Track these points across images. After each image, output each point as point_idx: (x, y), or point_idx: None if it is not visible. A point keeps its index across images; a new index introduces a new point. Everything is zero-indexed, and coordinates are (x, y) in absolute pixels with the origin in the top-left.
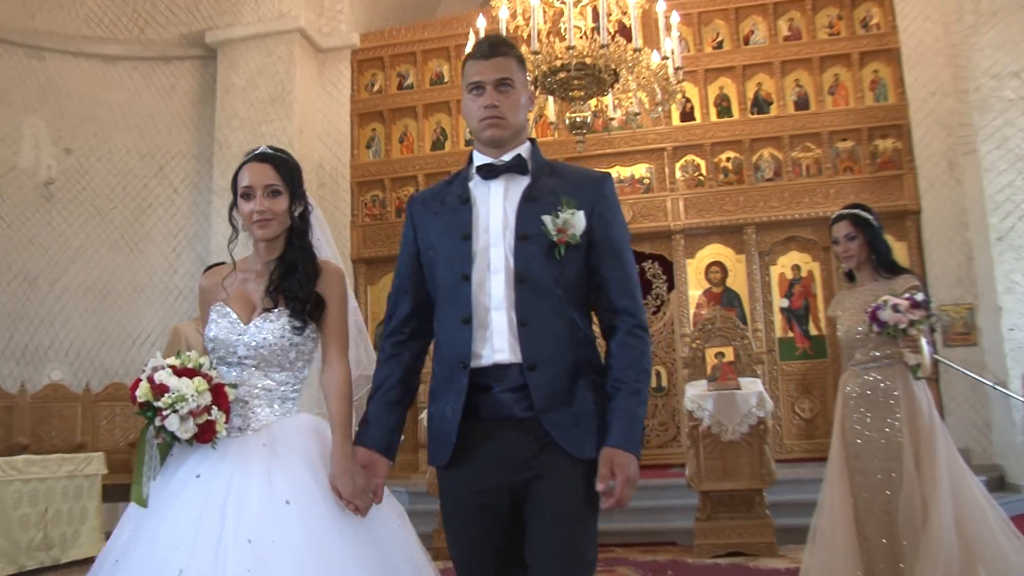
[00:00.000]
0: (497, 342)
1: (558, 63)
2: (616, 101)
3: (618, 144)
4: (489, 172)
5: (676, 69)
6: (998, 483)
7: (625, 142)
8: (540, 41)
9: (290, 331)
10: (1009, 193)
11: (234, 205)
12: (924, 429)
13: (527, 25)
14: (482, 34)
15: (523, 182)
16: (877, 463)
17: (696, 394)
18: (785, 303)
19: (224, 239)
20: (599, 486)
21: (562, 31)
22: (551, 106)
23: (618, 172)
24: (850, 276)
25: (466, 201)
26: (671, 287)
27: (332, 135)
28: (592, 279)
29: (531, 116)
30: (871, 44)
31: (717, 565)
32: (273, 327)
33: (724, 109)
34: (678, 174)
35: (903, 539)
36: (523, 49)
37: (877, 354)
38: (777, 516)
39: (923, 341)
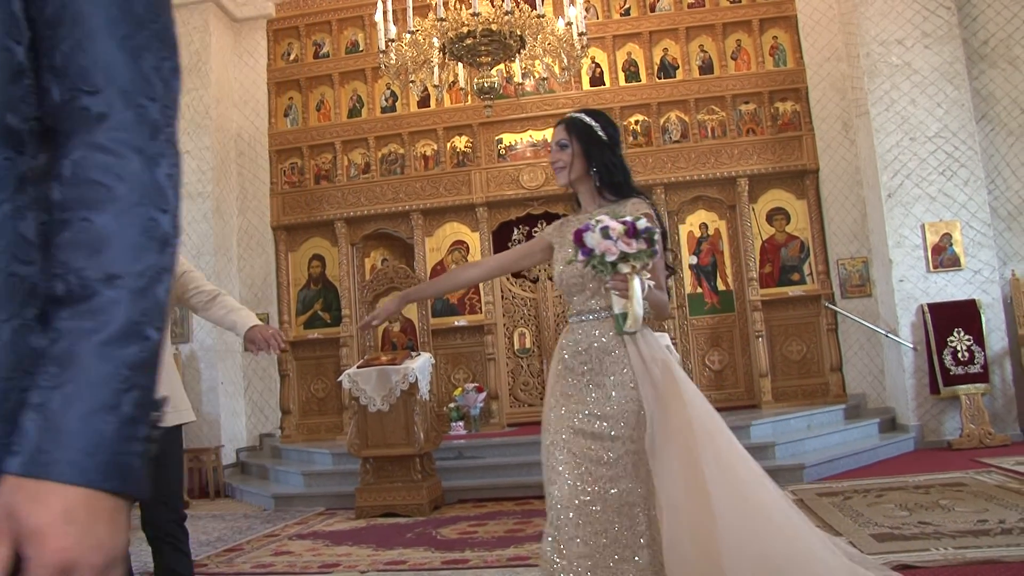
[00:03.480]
0: None
1: (464, 30)
2: (524, 66)
3: (530, 109)
4: None
5: (580, 34)
6: (890, 424)
7: (537, 107)
8: (447, 8)
9: None
10: (897, 153)
11: None
12: (660, 397)
13: None
14: (390, 4)
15: None
16: (590, 440)
17: None
18: (694, 260)
19: None
20: None
21: None
22: (461, 72)
23: (531, 136)
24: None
25: None
26: None
27: (250, 104)
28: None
29: (443, 81)
30: (770, 12)
31: None
32: None
33: (632, 74)
34: None
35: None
36: (430, 16)
37: (594, 304)
38: None
39: (636, 283)
